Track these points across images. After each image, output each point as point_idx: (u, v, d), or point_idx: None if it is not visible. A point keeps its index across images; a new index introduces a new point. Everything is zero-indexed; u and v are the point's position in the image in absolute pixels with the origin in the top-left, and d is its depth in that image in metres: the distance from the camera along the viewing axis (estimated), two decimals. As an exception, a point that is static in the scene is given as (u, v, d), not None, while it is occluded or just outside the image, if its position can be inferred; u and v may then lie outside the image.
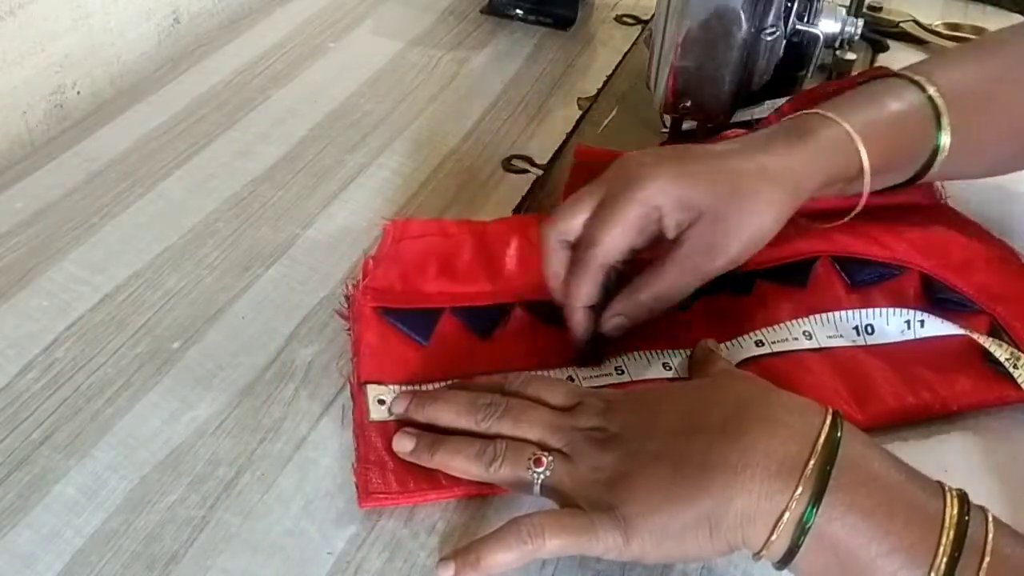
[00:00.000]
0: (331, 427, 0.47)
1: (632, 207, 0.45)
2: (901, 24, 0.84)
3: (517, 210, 0.61)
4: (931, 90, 0.51)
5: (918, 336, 0.50)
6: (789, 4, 0.58)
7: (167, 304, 0.54)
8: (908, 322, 0.50)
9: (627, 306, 0.48)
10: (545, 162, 0.66)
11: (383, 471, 0.44)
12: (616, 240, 0.46)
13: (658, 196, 0.45)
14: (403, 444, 0.44)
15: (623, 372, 0.49)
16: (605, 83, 0.75)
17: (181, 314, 0.53)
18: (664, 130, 0.65)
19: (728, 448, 0.37)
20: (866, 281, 0.53)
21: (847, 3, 0.70)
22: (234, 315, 0.53)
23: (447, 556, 0.40)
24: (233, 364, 0.50)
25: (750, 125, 0.62)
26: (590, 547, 0.39)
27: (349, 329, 0.51)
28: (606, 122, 0.70)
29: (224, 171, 0.64)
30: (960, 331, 0.49)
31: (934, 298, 0.53)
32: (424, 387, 0.47)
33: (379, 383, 0.47)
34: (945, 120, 0.50)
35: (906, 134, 0.51)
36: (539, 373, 0.48)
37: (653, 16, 0.58)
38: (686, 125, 0.62)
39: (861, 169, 0.49)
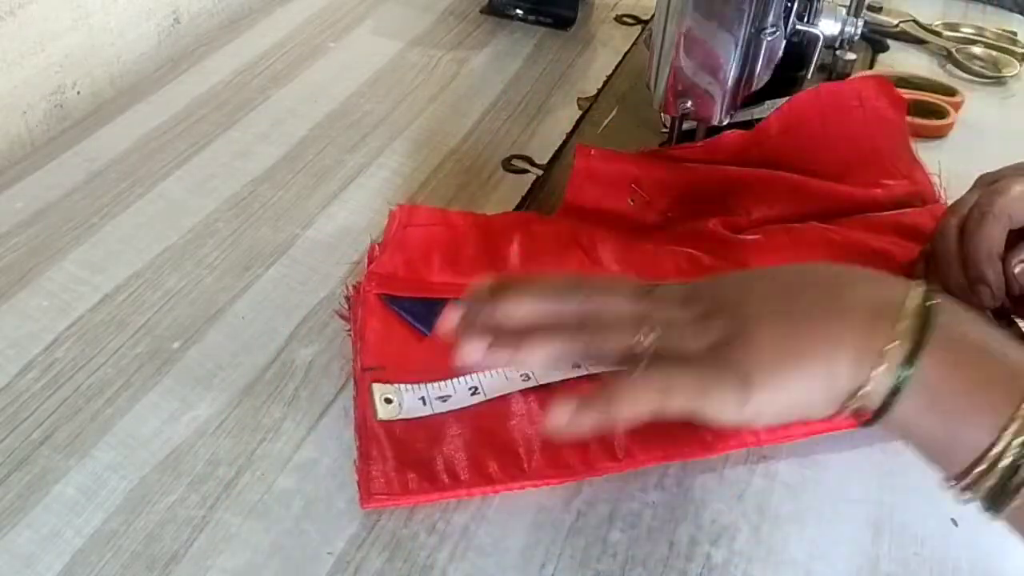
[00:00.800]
0: (331, 427, 0.47)
1: None
2: (901, 24, 0.84)
3: (517, 210, 0.61)
4: None
5: None
6: (789, 4, 0.58)
7: (167, 304, 0.54)
8: None
9: None
10: (545, 162, 0.66)
11: (385, 470, 0.43)
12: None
13: None
14: (471, 351, 0.40)
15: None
16: (605, 83, 0.75)
17: (181, 314, 0.53)
18: (664, 130, 0.65)
19: (837, 296, 0.38)
20: None
21: (847, 3, 0.70)
22: (234, 315, 0.53)
23: (561, 402, 0.38)
24: (233, 364, 0.50)
25: (750, 125, 0.62)
26: (711, 407, 0.38)
27: (349, 330, 0.51)
28: (606, 122, 0.70)
29: (224, 171, 0.64)
30: None
31: None
32: (431, 385, 0.47)
33: (386, 382, 0.47)
34: None
35: None
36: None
37: (653, 16, 0.58)
38: (686, 125, 0.62)
39: None
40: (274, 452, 0.46)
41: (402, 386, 0.47)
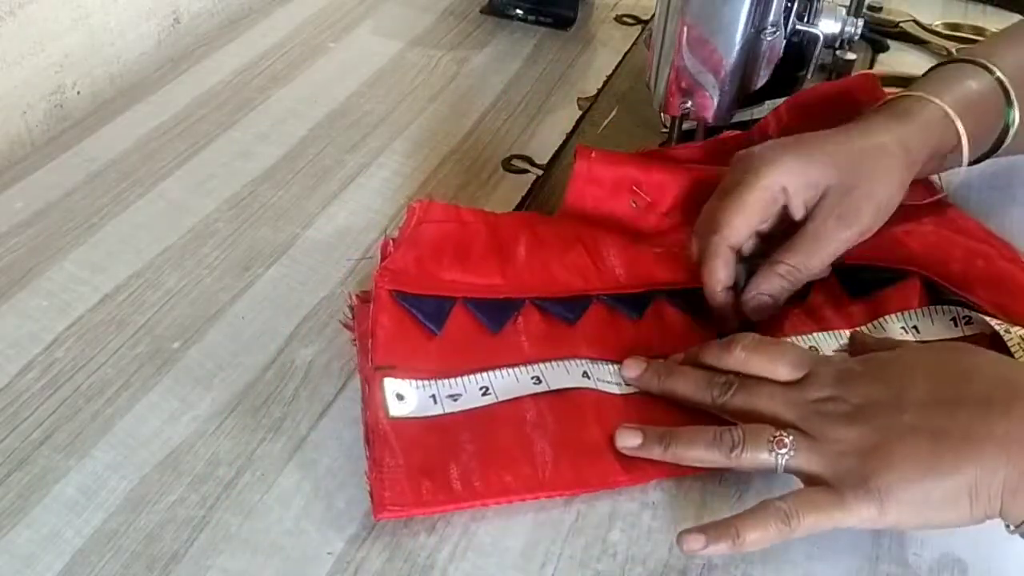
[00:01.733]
0: (331, 427, 0.47)
1: (754, 192, 0.49)
2: (901, 24, 0.84)
3: (517, 210, 0.61)
4: (997, 72, 0.55)
5: (965, 334, 0.50)
6: (789, 4, 0.58)
7: (167, 304, 0.54)
8: (954, 319, 0.51)
9: (766, 284, 0.50)
10: (545, 162, 0.66)
11: (397, 478, 0.43)
12: (739, 225, 0.49)
13: (782, 178, 0.49)
14: (629, 439, 0.44)
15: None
16: (605, 83, 0.75)
17: (181, 314, 0.53)
18: (664, 130, 0.65)
19: (995, 421, 0.38)
20: (866, 291, 0.53)
21: (847, 3, 0.69)
22: (234, 315, 0.53)
23: (692, 529, 0.40)
24: (233, 364, 0.50)
25: (750, 125, 0.62)
26: (843, 520, 0.39)
27: (355, 339, 0.50)
28: (606, 122, 0.70)
29: (224, 171, 0.64)
30: (999, 325, 0.48)
31: (939, 299, 0.52)
32: (441, 383, 0.47)
33: (396, 378, 0.47)
34: (1014, 97, 0.55)
35: (987, 110, 0.55)
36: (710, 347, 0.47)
37: (653, 16, 0.58)
38: (686, 125, 0.62)
39: (959, 143, 0.53)
40: (274, 452, 0.45)
41: (414, 382, 0.47)
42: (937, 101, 0.53)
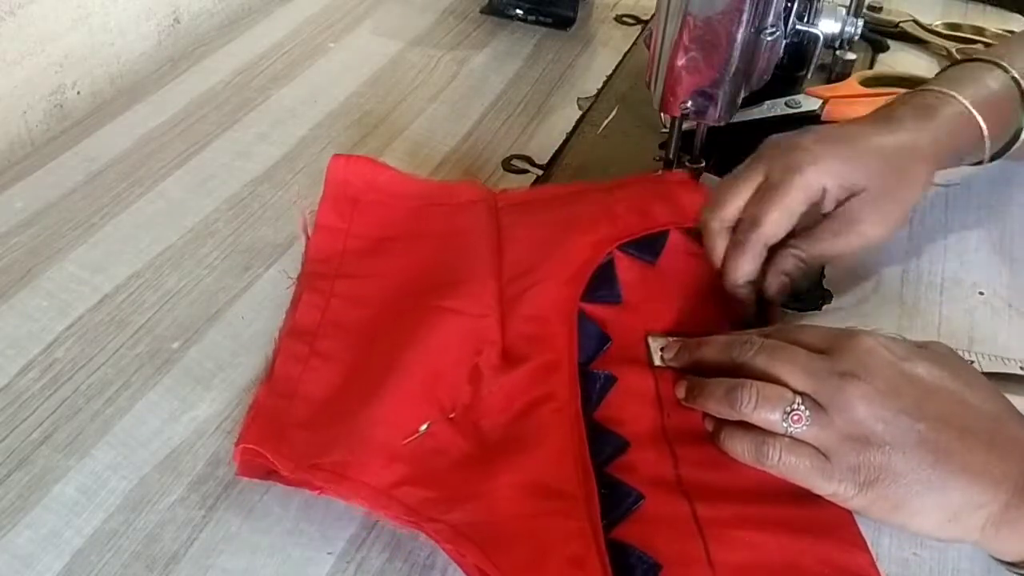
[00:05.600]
0: (331, 427, 0.47)
1: (798, 192, 0.49)
2: (901, 24, 0.84)
3: (517, 210, 0.61)
4: (1014, 72, 0.55)
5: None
6: (789, 4, 0.58)
7: (167, 304, 0.54)
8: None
9: (790, 266, 0.51)
10: (545, 162, 0.66)
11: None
12: (780, 222, 0.49)
13: (823, 178, 0.49)
14: (677, 391, 0.47)
15: None
16: (605, 83, 0.75)
17: (181, 314, 0.53)
18: (664, 130, 0.65)
19: (995, 461, 0.39)
20: None
21: (847, 3, 0.69)
22: (234, 315, 0.53)
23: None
24: (233, 364, 0.50)
25: (750, 125, 0.62)
26: (819, 487, 0.41)
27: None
28: (606, 122, 0.70)
29: (224, 171, 0.64)
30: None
31: None
32: None
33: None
34: None
35: (1003, 109, 0.55)
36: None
37: (653, 16, 0.58)
38: (686, 125, 0.62)
39: (980, 140, 0.54)
40: (274, 452, 0.45)
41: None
42: (959, 97, 0.53)
